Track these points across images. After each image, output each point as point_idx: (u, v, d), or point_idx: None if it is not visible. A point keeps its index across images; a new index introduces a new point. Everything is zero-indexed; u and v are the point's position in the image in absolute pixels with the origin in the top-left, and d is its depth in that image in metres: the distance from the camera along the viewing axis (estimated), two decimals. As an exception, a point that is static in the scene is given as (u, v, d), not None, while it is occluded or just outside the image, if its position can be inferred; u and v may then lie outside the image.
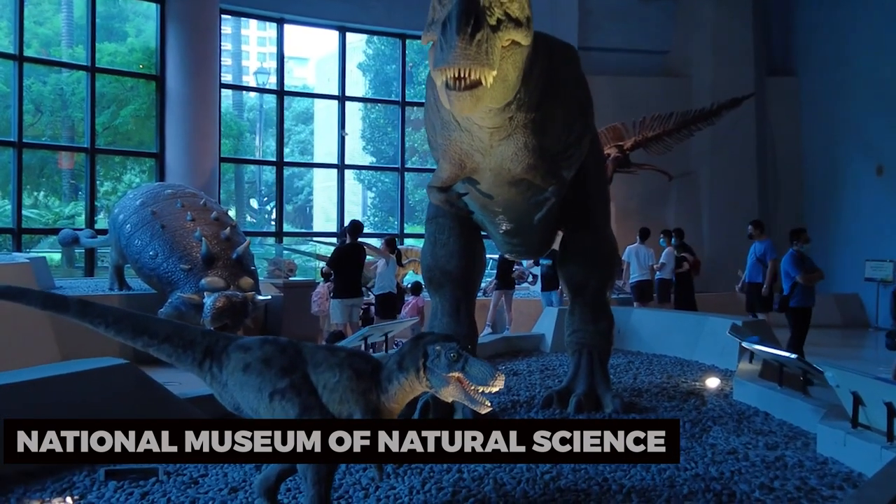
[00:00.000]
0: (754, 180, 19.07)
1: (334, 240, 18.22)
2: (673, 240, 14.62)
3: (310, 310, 12.86)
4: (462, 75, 3.77)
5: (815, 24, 19.44)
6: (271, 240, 19.39)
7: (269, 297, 11.77)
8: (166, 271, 10.52)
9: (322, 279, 13.34)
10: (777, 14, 20.09)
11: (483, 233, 6.27)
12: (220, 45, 17.07)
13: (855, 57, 18.14)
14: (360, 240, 11.55)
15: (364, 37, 30.53)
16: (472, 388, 3.23)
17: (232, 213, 20.05)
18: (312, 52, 40.34)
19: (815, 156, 19.39)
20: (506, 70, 4.11)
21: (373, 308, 12.38)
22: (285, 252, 17.35)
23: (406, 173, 20.15)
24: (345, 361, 3.49)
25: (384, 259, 11.79)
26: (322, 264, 13.89)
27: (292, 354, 3.52)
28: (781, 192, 19.69)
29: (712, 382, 7.27)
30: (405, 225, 19.67)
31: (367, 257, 11.90)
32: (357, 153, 28.62)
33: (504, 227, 5.87)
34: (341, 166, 18.95)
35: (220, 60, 16.96)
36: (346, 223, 12.05)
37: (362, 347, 8.12)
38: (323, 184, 33.13)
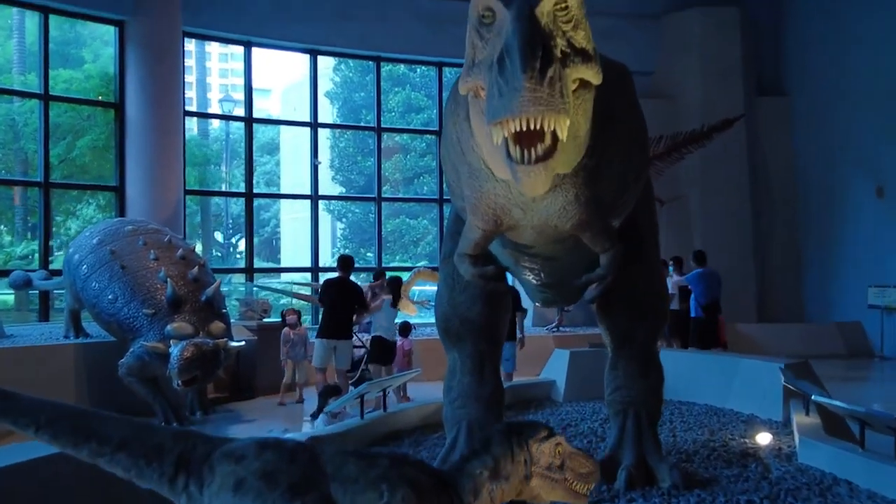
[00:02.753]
0: (747, 204, 18.31)
1: (309, 276, 17.18)
2: (671, 268, 13.77)
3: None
4: (532, 126, 2.77)
5: (806, 41, 18.82)
6: (241, 277, 18.21)
7: (243, 342, 10.69)
8: (127, 317, 9.54)
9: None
10: (767, 33, 19.44)
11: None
12: (184, 71, 16.04)
13: (849, 75, 17.51)
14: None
15: (331, 64, 29.67)
16: (577, 486, 2.80)
17: (198, 248, 18.90)
18: (275, 83, 39.54)
19: (810, 178, 18.67)
20: (577, 123, 3.12)
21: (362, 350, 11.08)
22: (255, 289, 16.21)
23: (383, 203, 19.04)
24: (391, 474, 2.45)
25: (383, 298, 10.74)
26: (301, 303, 12.77)
27: (305, 464, 2.44)
28: (776, 217, 18.95)
29: (764, 439, 6.28)
30: (383, 257, 18.56)
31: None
32: (327, 183, 27.65)
33: (539, 281, 4.96)
34: (315, 197, 17.86)
35: (184, 86, 15.90)
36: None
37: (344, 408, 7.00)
38: (290, 215, 32.08)
